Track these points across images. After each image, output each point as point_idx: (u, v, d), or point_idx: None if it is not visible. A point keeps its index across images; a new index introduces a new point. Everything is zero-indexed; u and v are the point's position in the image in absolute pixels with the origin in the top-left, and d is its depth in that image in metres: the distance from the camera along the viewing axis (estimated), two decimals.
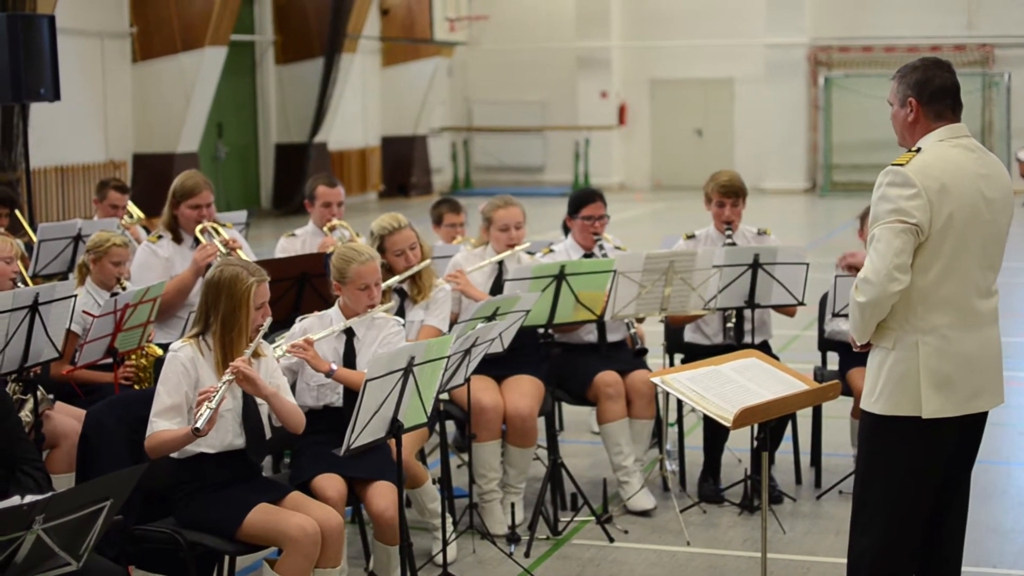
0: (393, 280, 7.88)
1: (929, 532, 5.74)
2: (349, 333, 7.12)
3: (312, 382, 7.03)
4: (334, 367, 6.91)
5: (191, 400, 6.14)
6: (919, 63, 5.70)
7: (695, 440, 9.34)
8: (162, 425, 6.08)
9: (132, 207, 11.40)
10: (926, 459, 5.59)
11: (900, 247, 5.42)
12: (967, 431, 5.68)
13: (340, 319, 7.13)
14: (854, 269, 5.84)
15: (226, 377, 6.04)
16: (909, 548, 5.69)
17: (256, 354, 6.26)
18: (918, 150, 5.57)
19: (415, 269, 7.94)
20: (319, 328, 7.08)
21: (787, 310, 8.88)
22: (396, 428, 6.11)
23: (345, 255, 7.12)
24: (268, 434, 6.38)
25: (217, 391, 5.96)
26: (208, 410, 5.88)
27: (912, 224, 5.42)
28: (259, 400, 6.27)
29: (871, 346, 5.66)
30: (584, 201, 8.85)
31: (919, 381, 5.50)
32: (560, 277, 7.99)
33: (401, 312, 7.93)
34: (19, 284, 7.93)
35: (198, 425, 5.85)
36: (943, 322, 5.50)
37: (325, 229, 9.78)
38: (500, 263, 8.64)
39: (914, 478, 5.60)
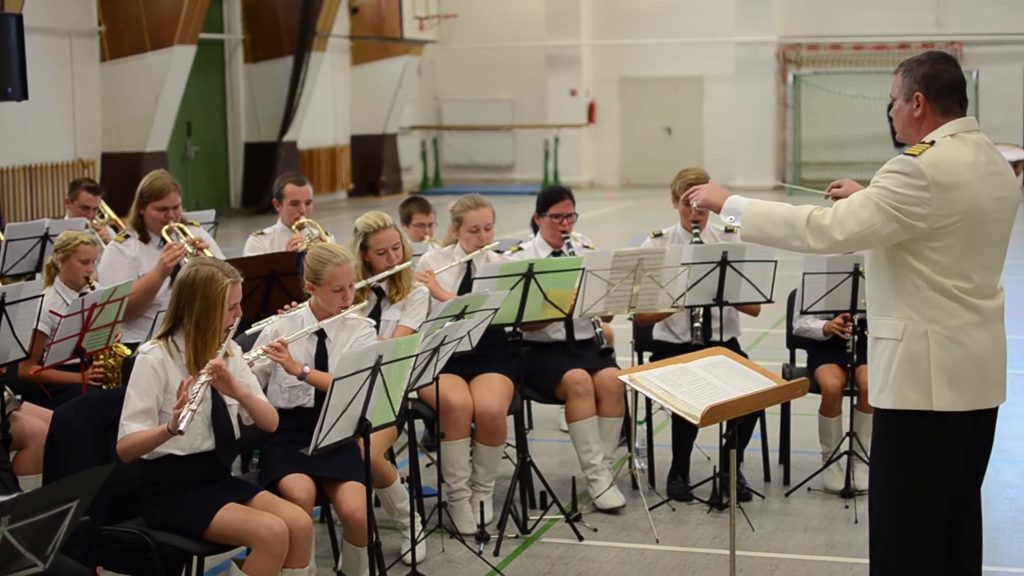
0: (373, 279, 7.87)
1: (948, 548, 5.58)
2: (321, 334, 7.11)
3: (284, 384, 7.02)
4: (307, 370, 6.89)
5: (161, 403, 6.11)
6: (925, 57, 5.56)
7: (664, 438, 9.35)
8: (134, 428, 6.05)
9: (104, 207, 11.36)
10: (941, 456, 5.47)
11: (879, 224, 5.33)
12: (977, 431, 5.55)
13: (311, 319, 7.11)
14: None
15: (204, 377, 6.02)
16: (933, 559, 5.53)
17: (226, 354, 6.25)
18: (932, 143, 5.42)
19: (395, 269, 7.93)
20: (290, 329, 7.06)
21: (750, 309, 8.91)
22: (364, 427, 6.10)
23: (320, 256, 7.09)
24: (237, 435, 6.36)
25: (196, 392, 5.94)
26: (189, 412, 5.86)
27: (905, 213, 5.31)
28: (229, 401, 6.26)
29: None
30: (552, 199, 8.86)
31: (929, 373, 5.40)
32: (529, 275, 7.99)
33: (377, 311, 7.93)
34: None
35: (181, 428, 5.84)
36: (951, 319, 5.40)
37: (293, 227, 9.75)
38: (468, 262, 8.63)
39: (930, 477, 5.47)
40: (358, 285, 7.69)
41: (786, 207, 5.57)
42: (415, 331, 7.78)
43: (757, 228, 5.62)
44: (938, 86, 5.49)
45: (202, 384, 5.99)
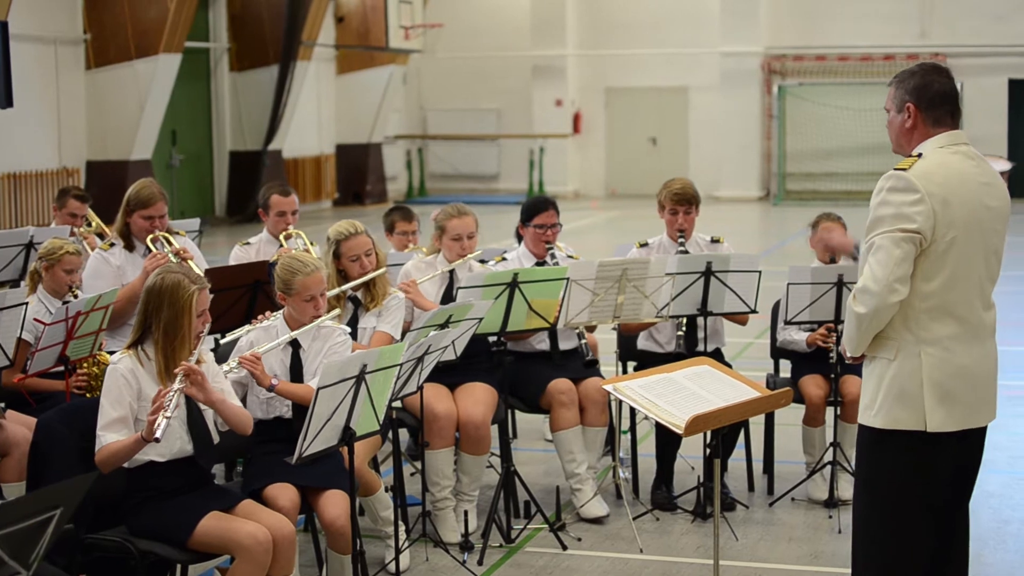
0: (347, 286, 7.87)
1: (933, 562, 5.56)
2: (295, 344, 7.08)
3: (261, 395, 6.99)
4: (275, 382, 6.86)
5: (135, 411, 6.11)
6: (917, 68, 5.57)
7: (648, 448, 9.35)
8: (110, 438, 6.04)
9: (92, 215, 11.35)
10: (929, 475, 5.45)
11: (901, 257, 5.28)
12: (966, 449, 5.53)
13: (285, 329, 7.08)
14: (831, 250, 5.74)
15: (178, 384, 6.01)
16: (916, 573, 5.51)
17: (198, 361, 6.23)
18: (919, 155, 5.42)
19: (370, 276, 7.92)
20: (265, 340, 7.02)
21: (739, 318, 8.91)
22: (348, 436, 6.10)
23: (289, 266, 7.06)
24: (216, 439, 6.36)
25: (171, 400, 5.93)
26: (164, 420, 5.85)
27: (912, 231, 5.28)
28: (203, 405, 6.26)
29: (863, 357, 5.52)
30: (536, 209, 8.86)
31: (922, 394, 5.36)
32: (513, 285, 7.99)
33: (354, 319, 7.92)
34: None
35: (157, 436, 5.83)
36: (946, 333, 5.37)
37: (281, 238, 9.72)
38: (451, 272, 8.63)
39: (914, 493, 5.45)
40: (332, 292, 7.67)
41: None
42: (392, 336, 7.80)
43: (850, 340, 5.55)
44: (929, 96, 5.50)
45: (176, 391, 5.98)
